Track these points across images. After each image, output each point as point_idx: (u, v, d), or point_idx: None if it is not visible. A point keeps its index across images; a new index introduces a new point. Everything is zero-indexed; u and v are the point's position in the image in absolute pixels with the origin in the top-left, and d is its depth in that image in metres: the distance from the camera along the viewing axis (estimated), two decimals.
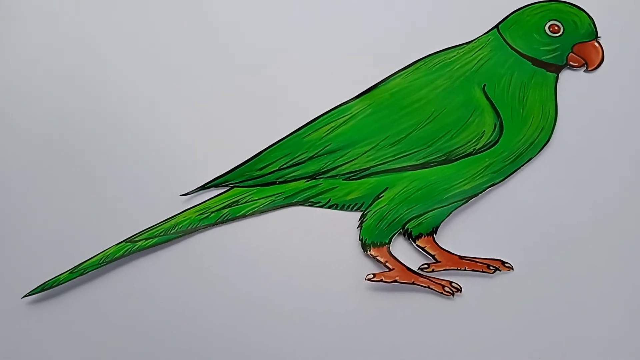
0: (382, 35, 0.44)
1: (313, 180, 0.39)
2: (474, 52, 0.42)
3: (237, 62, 0.44)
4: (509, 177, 0.39)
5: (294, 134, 0.40)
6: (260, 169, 0.40)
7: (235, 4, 0.45)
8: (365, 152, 0.39)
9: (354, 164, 0.39)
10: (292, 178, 0.39)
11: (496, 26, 0.43)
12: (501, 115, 0.39)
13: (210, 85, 0.43)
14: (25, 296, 0.37)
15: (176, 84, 0.43)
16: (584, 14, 0.42)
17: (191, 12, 0.45)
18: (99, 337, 0.37)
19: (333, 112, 0.41)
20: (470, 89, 0.40)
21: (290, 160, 0.40)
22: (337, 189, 0.39)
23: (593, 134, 0.41)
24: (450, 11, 0.45)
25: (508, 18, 0.43)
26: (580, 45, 0.42)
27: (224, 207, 0.39)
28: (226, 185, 0.40)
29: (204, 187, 0.40)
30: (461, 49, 0.42)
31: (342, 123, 0.40)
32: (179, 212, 0.39)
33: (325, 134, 0.40)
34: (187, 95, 0.43)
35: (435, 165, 0.39)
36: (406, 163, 0.39)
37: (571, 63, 0.42)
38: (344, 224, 0.39)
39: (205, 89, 0.43)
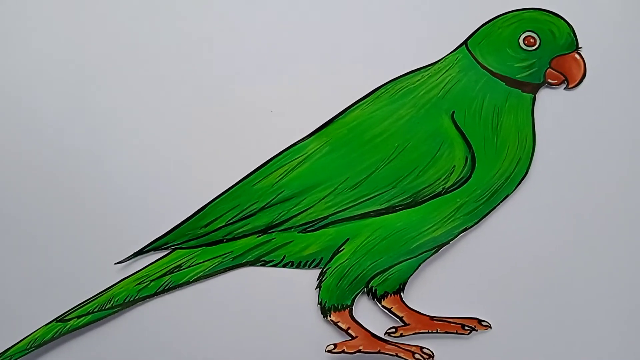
0: (337, 62, 0.41)
1: (265, 235, 0.37)
2: (441, 74, 0.39)
3: (175, 103, 0.40)
4: (483, 219, 0.37)
5: (242, 182, 0.38)
6: (205, 226, 0.37)
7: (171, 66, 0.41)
8: (323, 198, 0.37)
9: (311, 213, 0.37)
10: (242, 234, 0.37)
11: (464, 42, 0.40)
12: (473, 147, 0.37)
13: (145, 132, 0.40)
14: None
15: (109, 134, 0.40)
16: (563, 22, 0.39)
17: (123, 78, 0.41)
18: None
19: (285, 153, 0.38)
20: (438, 117, 0.38)
21: (239, 213, 0.37)
22: (292, 243, 0.37)
23: (576, 164, 0.38)
24: (413, 28, 0.41)
25: (477, 32, 0.40)
26: (559, 59, 0.39)
27: (165, 274, 0.37)
28: (167, 248, 0.37)
29: (141, 252, 0.37)
30: (426, 71, 0.39)
31: (296, 166, 0.38)
32: (114, 283, 0.37)
33: (277, 180, 0.37)
34: (119, 144, 0.40)
35: (401, 209, 0.37)
36: (369, 208, 0.37)
37: (549, 80, 0.39)
38: (301, 285, 0.37)
39: (139, 137, 0.40)
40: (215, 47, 0.41)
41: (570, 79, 0.39)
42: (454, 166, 0.36)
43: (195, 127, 0.40)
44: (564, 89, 0.39)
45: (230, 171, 0.38)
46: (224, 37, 0.41)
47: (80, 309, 0.36)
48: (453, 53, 0.39)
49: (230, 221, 0.37)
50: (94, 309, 0.36)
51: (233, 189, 0.38)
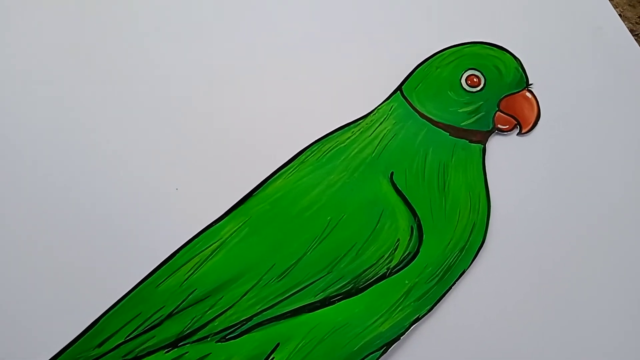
0: (252, 123, 0.35)
1: (175, 350, 0.31)
2: (374, 128, 0.35)
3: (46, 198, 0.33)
4: (438, 304, 0.31)
5: (143, 284, 0.32)
6: (99, 345, 0.31)
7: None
8: (244, 295, 0.31)
9: (231, 315, 0.31)
10: (146, 351, 0.31)
11: (399, 88, 0.36)
12: (418, 214, 0.32)
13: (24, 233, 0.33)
14: None
15: None
16: (509, 56, 0.36)
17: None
18: None
19: (195, 241, 0.33)
20: (374, 181, 0.33)
21: (141, 325, 0.31)
22: (209, 357, 0.31)
23: (540, 224, 0.33)
24: (338, 75, 0.37)
25: (412, 75, 0.36)
26: (508, 99, 0.35)
27: None
28: None
29: None
30: (357, 126, 0.35)
31: (209, 256, 0.32)
32: None
33: (187, 277, 0.32)
34: None
35: (339, 300, 0.31)
36: (301, 302, 0.31)
37: (500, 126, 0.35)
38: None
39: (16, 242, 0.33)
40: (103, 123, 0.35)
41: (523, 122, 0.35)
42: (398, 240, 0.32)
43: (75, 218, 0.33)
44: (517, 134, 0.35)
45: (127, 271, 0.31)
46: (118, 113, 0.35)
47: None
48: (387, 102, 0.35)
49: (131, 336, 0.31)
50: None
51: (132, 294, 0.31)
